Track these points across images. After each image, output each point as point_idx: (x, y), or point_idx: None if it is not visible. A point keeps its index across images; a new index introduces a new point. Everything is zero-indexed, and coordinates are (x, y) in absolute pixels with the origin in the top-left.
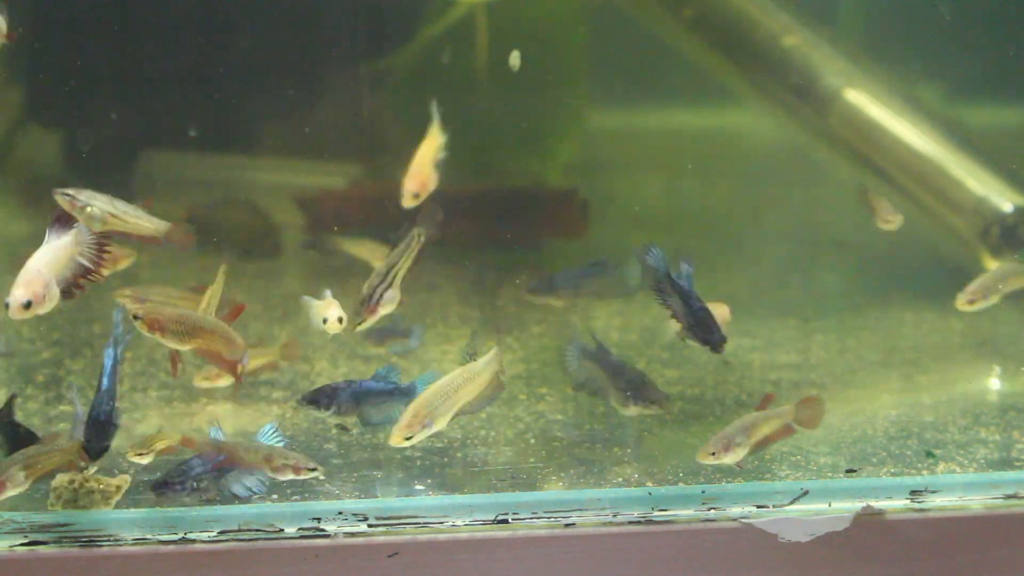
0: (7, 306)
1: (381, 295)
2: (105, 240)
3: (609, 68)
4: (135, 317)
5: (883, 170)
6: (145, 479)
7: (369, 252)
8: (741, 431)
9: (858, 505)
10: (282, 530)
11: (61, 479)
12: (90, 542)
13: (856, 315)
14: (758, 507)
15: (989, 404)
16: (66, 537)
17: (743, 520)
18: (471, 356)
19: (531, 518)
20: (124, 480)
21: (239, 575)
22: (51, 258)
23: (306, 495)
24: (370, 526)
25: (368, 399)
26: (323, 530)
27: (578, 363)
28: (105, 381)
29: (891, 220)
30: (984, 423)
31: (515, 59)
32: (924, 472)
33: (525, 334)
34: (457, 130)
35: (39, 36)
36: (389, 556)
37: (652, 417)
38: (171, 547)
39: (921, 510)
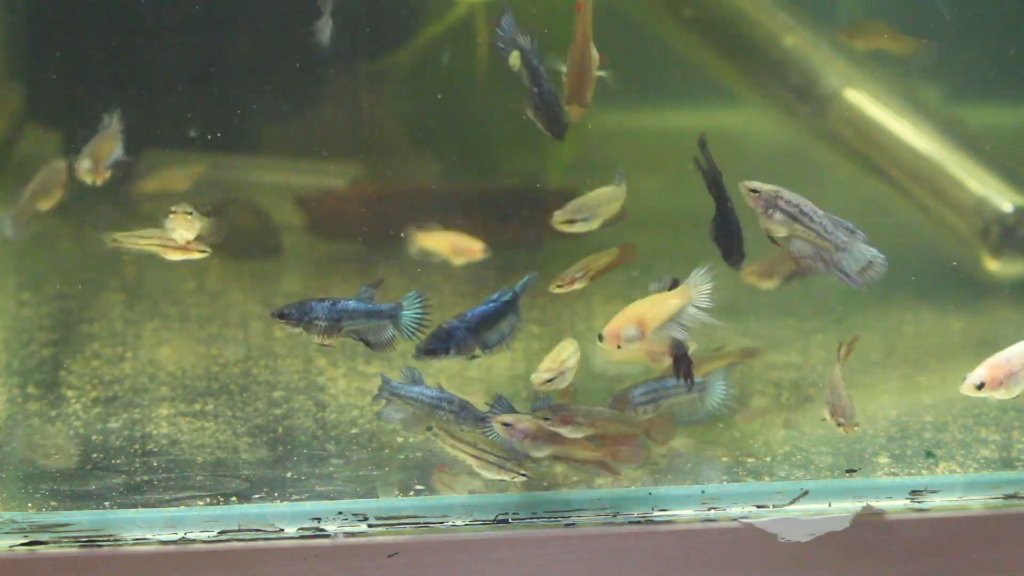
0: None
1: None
2: None
3: (609, 68)
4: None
5: (883, 170)
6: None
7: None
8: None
9: (858, 505)
10: (282, 530)
11: None
12: (90, 542)
13: (856, 315)
14: (758, 507)
15: (989, 404)
16: (66, 537)
17: (743, 520)
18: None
19: (531, 518)
20: None
21: (239, 575)
22: None
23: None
24: (370, 526)
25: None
26: (323, 530)
27: None
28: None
29: None
30: (984, 423)
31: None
32: (924, 472)
33: (524, 333)
34: (457, 130)
35: (38, 35)
36: (389, 556)
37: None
38: (171, 547)
39: (921, 510)
